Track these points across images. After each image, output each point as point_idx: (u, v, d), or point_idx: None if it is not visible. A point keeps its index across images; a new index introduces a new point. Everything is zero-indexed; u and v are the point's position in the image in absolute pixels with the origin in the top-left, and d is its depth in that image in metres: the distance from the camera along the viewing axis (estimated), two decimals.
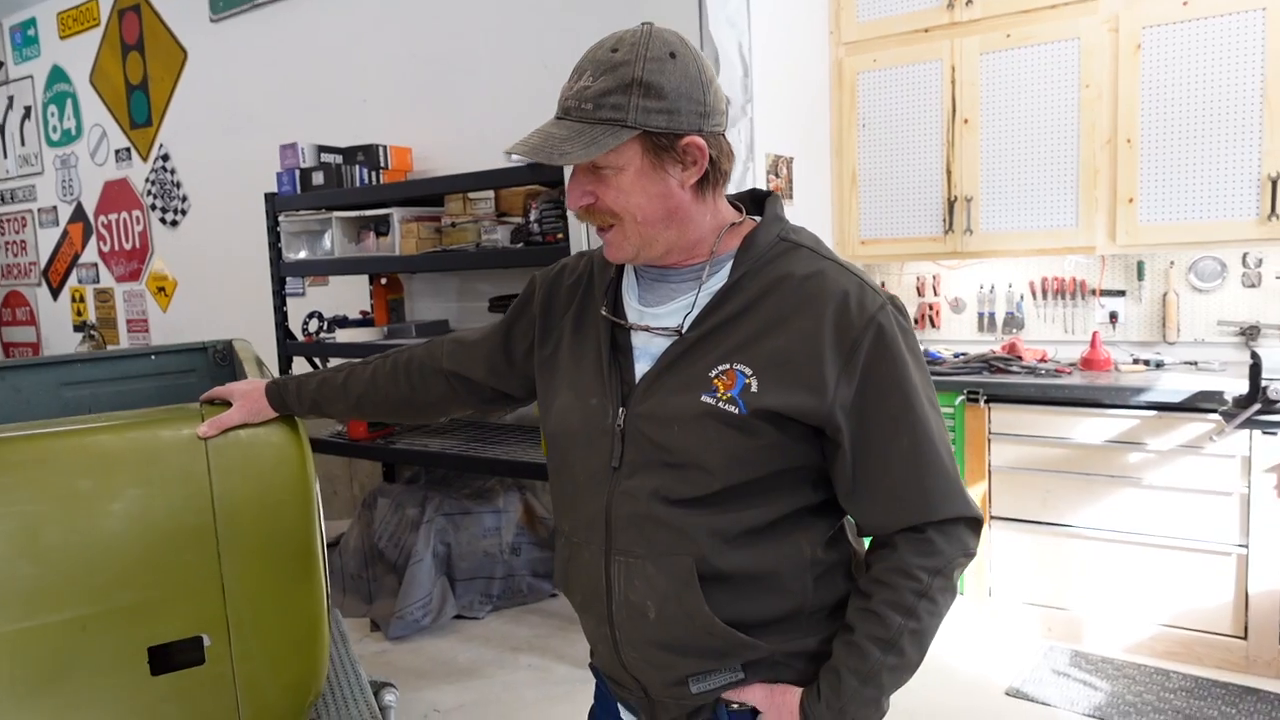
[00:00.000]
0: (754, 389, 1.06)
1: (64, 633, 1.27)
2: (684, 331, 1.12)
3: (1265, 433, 2.77)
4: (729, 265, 1.13)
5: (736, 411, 1.06)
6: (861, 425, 1.07)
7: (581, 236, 2.79)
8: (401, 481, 4.24)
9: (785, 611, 1.12)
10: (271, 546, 1.40)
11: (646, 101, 1.04)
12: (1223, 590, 2.94)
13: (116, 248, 5.86)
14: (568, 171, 2.81)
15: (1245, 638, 2.91)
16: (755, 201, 1.22)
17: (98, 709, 1.31)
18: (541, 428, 1.30)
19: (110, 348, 5.84)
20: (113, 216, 5.85)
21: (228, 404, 1.45)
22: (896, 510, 1.09)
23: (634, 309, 1.18)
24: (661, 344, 1.14)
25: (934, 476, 1.09)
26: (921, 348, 1.16)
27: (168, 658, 1.33)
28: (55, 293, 6.46)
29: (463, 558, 3.75)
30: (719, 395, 1.07)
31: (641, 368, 1.14)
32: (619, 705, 1.28)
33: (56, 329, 6.48)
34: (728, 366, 1.08)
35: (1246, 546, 2.88)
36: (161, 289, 5.62)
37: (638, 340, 1.16)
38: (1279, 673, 2.86)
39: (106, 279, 6.01)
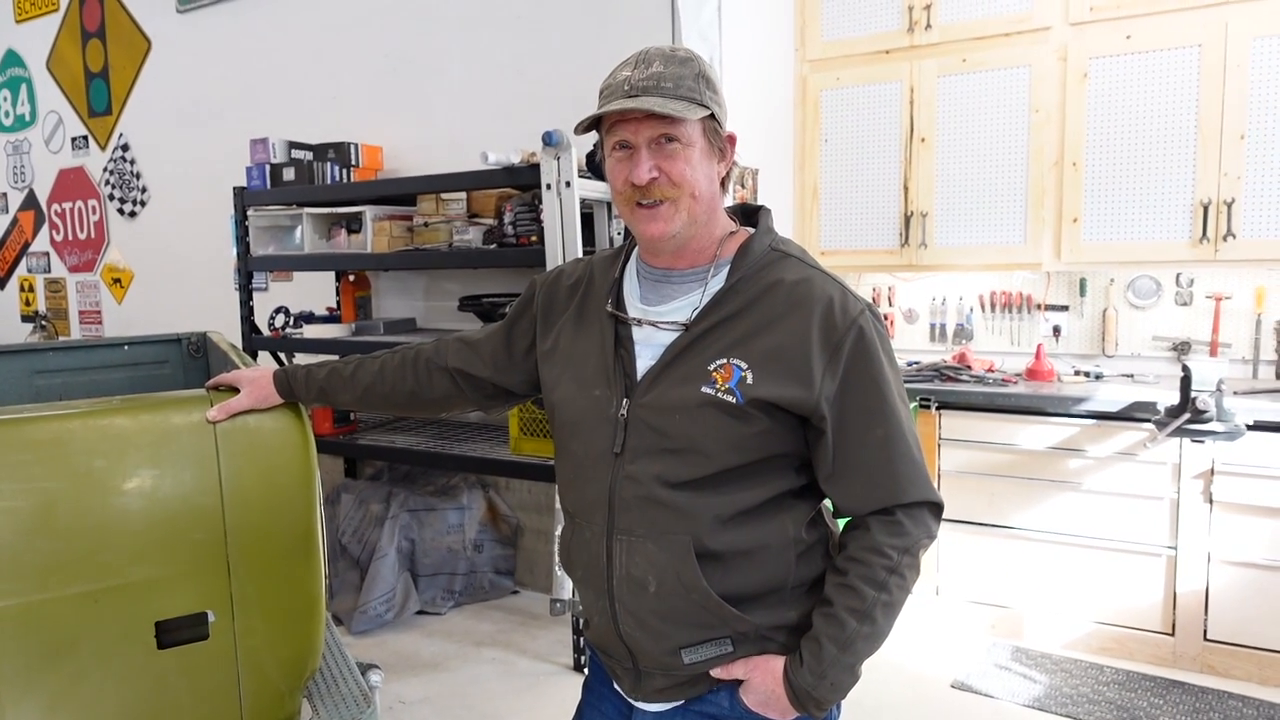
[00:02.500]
0: (749, 381, 1.17)
1: (75, 606, 1.31)
2: (690, 326, 1.21)
3: (1194, 441, 2.96)
4: (727, 269, 1.24)
5: (734, 401, 1.17)
6: (842, 415, 1.19)
7: (557, 240, 2.86)
8: (365, 478, 4.26)
9: (770, 586, 1.22)
10: (275, 528, 1.45)
11: (709, 92, 1.20)
12: (1153, 590, 3.13)
13: (70, 237, 5.76)
14: (544, 177, 2.90)
15: (1173, 634, 3.10)
16: (745, 215, 1.33)
17: (105, 680, 1.35)
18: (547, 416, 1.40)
19: (76, 337, 5.73)
20: (67, 205, 5.74)
21: (235, 390, 1.51)
22: (870, 492, 1.21)
23: (636, 307, 1.28)
24: (664, 338, 1.23)
25: (904, 463, 1.20)
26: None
27: (174, 632, 1.38)
28: (2, 282, 6.31)
29: (426, 554, 3.79)
30: (718, 386, 1.17)
31: (644, 361, 1.24)
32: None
33: (3, 319, 6.33)
34: (725, 361, 1.18)
35: (1175, 548, 3.07)
36: (117, 280, 5.54)
37: (640, 335, 1.26)
38: (1203, 667, 3.06)
39: (58, 269, 5.90)
